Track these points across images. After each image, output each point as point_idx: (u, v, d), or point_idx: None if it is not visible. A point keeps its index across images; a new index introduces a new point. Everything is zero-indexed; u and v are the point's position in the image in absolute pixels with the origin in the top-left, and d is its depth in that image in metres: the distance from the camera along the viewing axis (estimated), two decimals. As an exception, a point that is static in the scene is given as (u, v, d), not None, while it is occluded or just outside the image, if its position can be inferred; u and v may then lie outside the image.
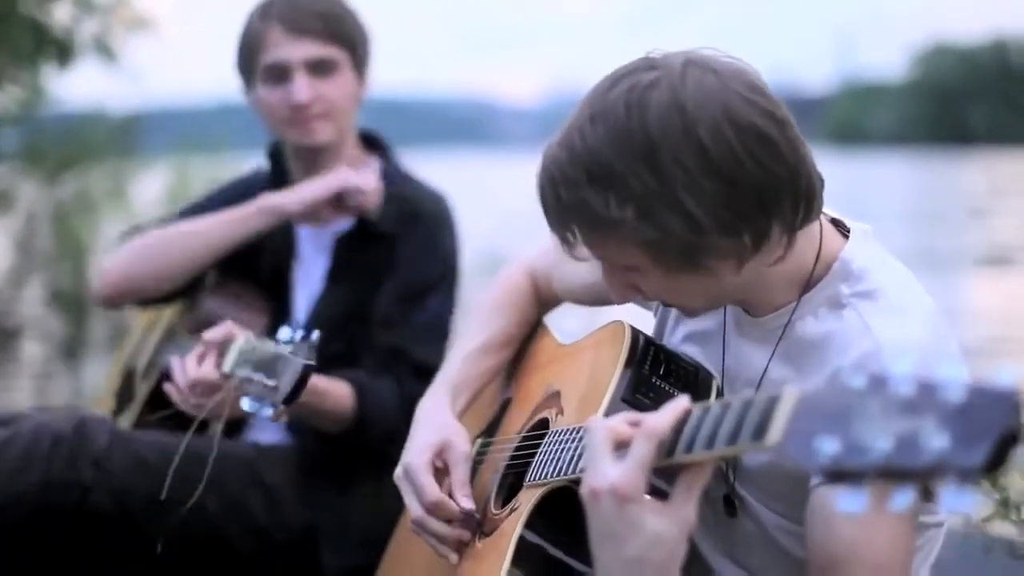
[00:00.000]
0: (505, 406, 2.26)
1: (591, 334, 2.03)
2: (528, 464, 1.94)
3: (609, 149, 1.63)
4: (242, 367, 2.22)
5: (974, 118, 77.73)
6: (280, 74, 2.78)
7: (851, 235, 1.80)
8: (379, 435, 2.69)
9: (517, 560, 1.83)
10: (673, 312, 1.99)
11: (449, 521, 2.01)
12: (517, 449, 2.05)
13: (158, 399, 2.64)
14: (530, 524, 1.84)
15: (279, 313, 2.89)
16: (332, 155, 2.86)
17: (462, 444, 2.07)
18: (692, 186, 1.62)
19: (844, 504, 1.15)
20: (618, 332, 1.91)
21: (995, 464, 1.10)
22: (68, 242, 8.96)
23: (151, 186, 9.74)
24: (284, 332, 2.21)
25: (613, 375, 1.84)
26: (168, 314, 3.02)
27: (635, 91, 1.64)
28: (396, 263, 2.81)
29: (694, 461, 1.45)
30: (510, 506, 1.94)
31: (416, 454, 2.05)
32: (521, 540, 1.83)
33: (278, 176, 2.95)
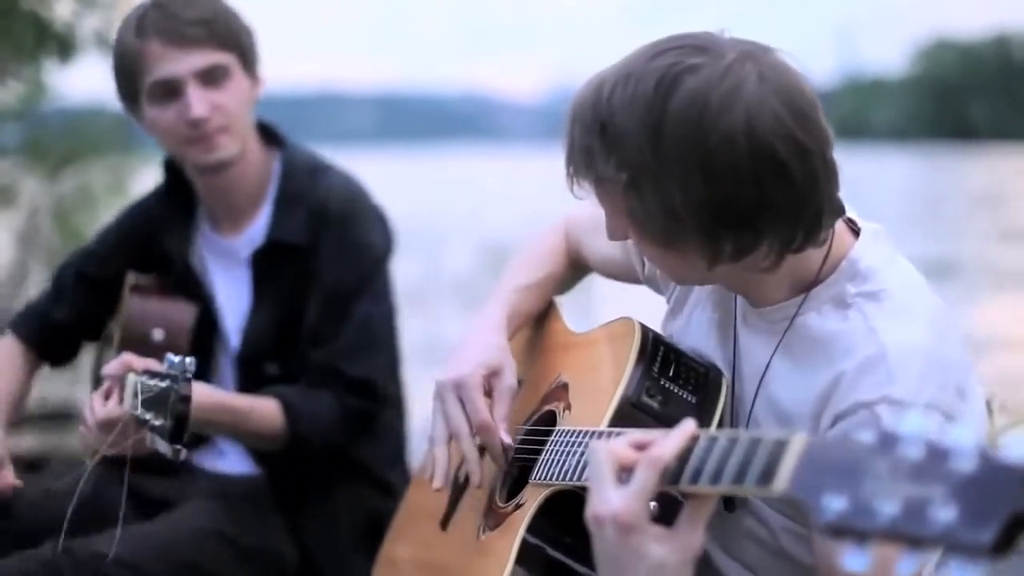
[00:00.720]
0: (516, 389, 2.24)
1: (602, 327, 2.02)
2: (534, 459, 1.93)
3: (627, 114, 1.63)
4: (138, 406, 2.18)
5: (975, 113, 77.71)
6: (170, 90, 2.59)
7: (861, 235, 1.78)
8: (317, 451, 2.63)
9: (521, 559, 1.83)
10: (691, 299, 1.97)
11: (481, 451, 1.98)
12: (524, 440, 2.03)
13: None
14: (534, 524, 1.84)
15: (204, 308, 2.79)
16: (238, 166, 2.69)
17: (511, 376, 2.03)
18: (686, 184, 1.61)
19: (850, 563, 1.14)
20: (628, 330, 1.89)
21: (1003, 545, 1.06)
22: (69, 237, 8.95)
23: (152, 181, 9.70)
24: (168, 360, 2.16)
25: (622, 375, 1.83)
26: (112, 322, 2.96)
27: (673, 69, 1.63)
28: (315, 274, 2.68)
29: (698, 492, 1.45)
30: (515, 501, 1.93)
31: (470, 369, 2.00)
32: (524, 540, 1.83)
33: (179, 193, 2.81)
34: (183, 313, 2.77)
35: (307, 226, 2.69)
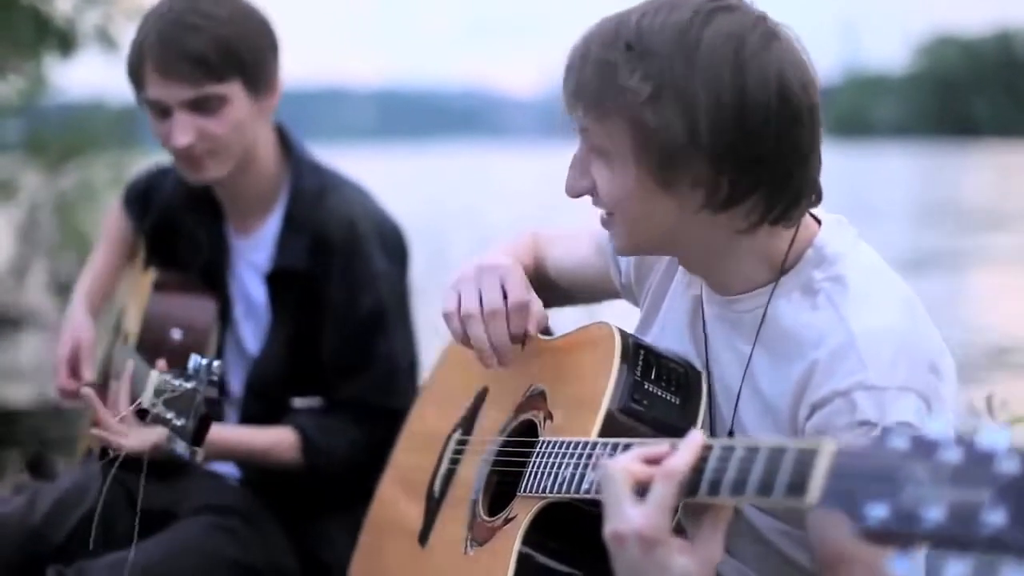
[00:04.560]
0: (482, 397, 2.16)
1: (575, 333, 1.98)
2: (518, 471, 1.89)
3: (659, 35, 1.63)
4: (158, 404, 2.17)
5: (977, 109, 77.69)
6: (160, 110, 2.58)
7: (824, 223, 1.80)
8: (331, 479, 2.66)
9: (517, 573, 1.79)
10: (663, 305, 1.96)
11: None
12: (502, 451, 1.99)
13: None
14: (528, 537, 1.80)
15: (224, 305, 2.79)
16: (242, 175, 2.68)
17: (541, 309, 2.00)
18: (713, 108, 1.61)
19: (897, 567, 1.13)
20: (607, 334, 1.85)
21: None
22: (70, 232, 8.98)
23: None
24: (192, 361, 2.14)
25: (607, 383, 1.80)
26: (125, 319, 2.97)
27: (708, 6, 1.65)
28: (324, 302, 2.68)
29: (720, 503, 1.44)
30: (503, 515, 1.89)
31: (506, 259, 1.99)
32: (520, 553, 1.79)
33: (201, 193, 2.80)
34: (205, 313, 2.77)
35: (309, 253, 2.69)
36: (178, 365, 2.19)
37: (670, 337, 1.92)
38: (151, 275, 2.85)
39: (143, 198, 2.93)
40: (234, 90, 2.57)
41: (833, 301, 1.69)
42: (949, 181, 31.96)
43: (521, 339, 1.95)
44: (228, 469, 2.76)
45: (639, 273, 2.02)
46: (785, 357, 1.71)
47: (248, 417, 2.72)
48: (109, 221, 3.01)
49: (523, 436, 1.97)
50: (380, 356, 2.69)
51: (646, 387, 1.80)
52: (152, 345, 2.60)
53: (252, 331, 2.78)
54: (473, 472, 2.04)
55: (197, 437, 2.08)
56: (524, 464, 1.88)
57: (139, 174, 3.01)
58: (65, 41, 7.19)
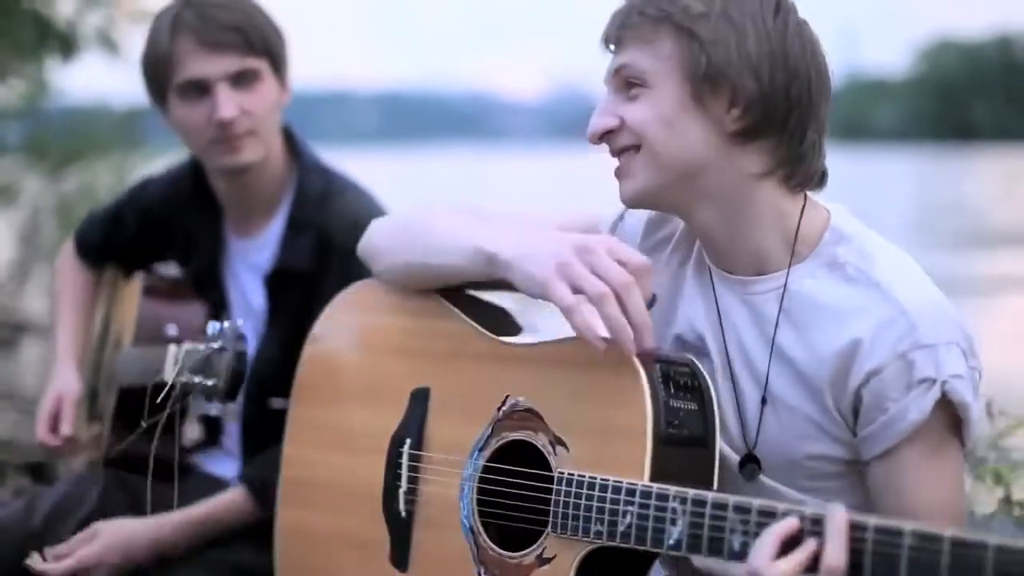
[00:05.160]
0: (423, 400, 2.03)
1: (561, 343, 1.86)
2: (520, 501, 1.83)
3: None
4: (182, 373, 2.23)
5: (978, 114, 77.63)
6: (199, 89, 2.62)
7: (832, 209, 1.90)
8: None
9: None
10: (680, 304, 1.97)
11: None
12: (489, 476, 1.91)
13: (123, 410, 2.66)
14: None
15: (217, 308, 2.80)
16: (259, 170, 2.71)
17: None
18: (761, 35, 1.78)
19: None
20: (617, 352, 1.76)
21: None
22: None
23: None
24: (211, 326, 2.22)
25: (643, 410, 1.73)
26: (113, 325, 2.97)
27: None
28: (323, 303, 2.62)
29: None
30: (534, 552, 1.81)
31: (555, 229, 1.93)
32: None
33: (200, 194, 2.81)
34: (197, 311, 2.78)
35: (313, 253, 2.69)
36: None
37: (690, 321, 1.94)
38: (137, 281, 2.85)
39: (102, 247, 2.93)
40: (265, 70, 2.65)
41: (865, 272, 1.80)
42: (950, 186, 31.95)
43: (651, 305, 1.79)
44: (226, 472, 2.76)
45: None
46: (817, 328, 1.81)
47: (248, 419, 2.72)
48: (65, 274, 2.96)
49: (515, 458, 1.89)
50: None
51: (672, 404, 1.77)
52: (149, 342, 2.60)
53: (250, 333, 2.77)
54: (450, 493, 1.94)
55: (231, 391, 2.14)
56: (531, 493, 1.82)
57: (91, 220, 2.99)
58: (67, 44, 7.19)
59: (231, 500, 2.60)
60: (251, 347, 2.76)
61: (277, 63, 2.68)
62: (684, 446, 1.76)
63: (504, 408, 1.91)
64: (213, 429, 2.79)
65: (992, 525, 2.82)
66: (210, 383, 2.18)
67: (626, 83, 1.83)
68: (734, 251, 1.87)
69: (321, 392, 2.22)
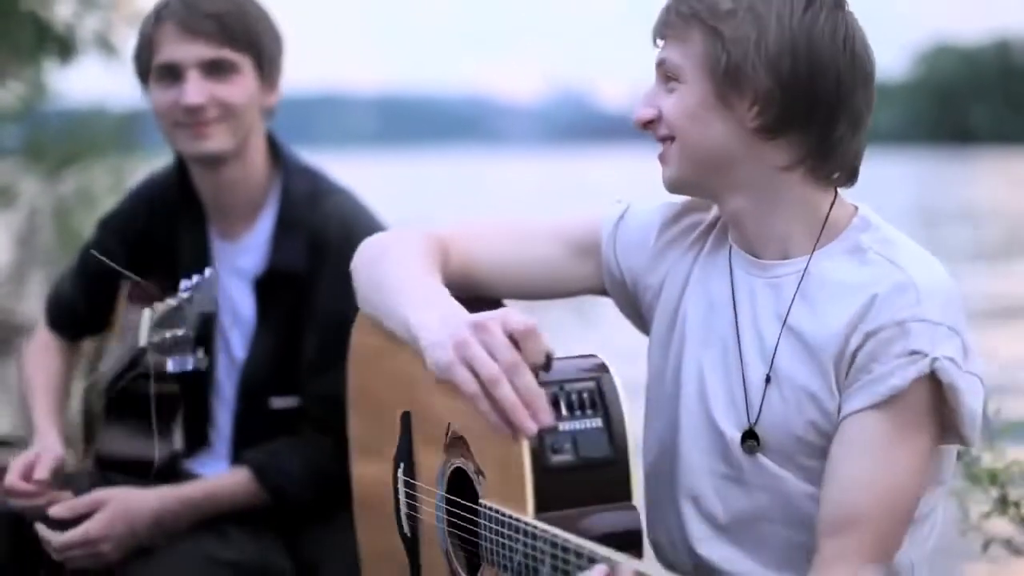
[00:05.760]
0: (408, 425, 2.02)
1: None
2: (472, 535, 1.81)
3: None
4: (153, 333, 2.26)
5: (976, 118, 77.78)
6: (172, 74, 2.60)
7: (859, 206, 1.94)
8: (298, 502, 2.62)
9: None
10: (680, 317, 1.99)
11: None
12: (448, 508, 1.90)
13: (114, 408, 2.67)
14: None
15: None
16: (235, 166, 2.66)
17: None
18: (783, 31, 1.80)
19: None
20: None
21: None
22: (69, 238, 8.96)
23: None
24: (183, 284, 2.24)
25: (520, 448, 1.68)
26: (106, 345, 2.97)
27: None
28: (313, 304, 2.66)
29: None
30: None
31: (435, 280, 1.89)
32: None
33: (184, 192, 2.77)
34: None
35: (306, 253, 2.67)
36: None
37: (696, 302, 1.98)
38: (123, 288, 2.83)
39: (70, 312, 2.90)
40: (246, 64, 2.63)
41: (886, 255, 1.85)
42: (948, 188, 31.96)
43: (547, 367, 1.67)
44: (221, 470, 2.76)
45: (652, 264, 2.05)
46: (832, 302, 1.84)
47: (241, 421, 2.72)
48: (37, 357, 2.93)
49: (459, 487, 1.87)
50: None
51: (562, 428, 1.70)
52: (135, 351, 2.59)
53: (238, 336, 2.76)
54: (432, 520, 1.95)
55: (201, 338, 2.14)
56: (474, 525, 1.80)
57: (57, 289, 2.95)
58: (65, 47, 7.21)
59: (234, 481, 2.60)
60: (240, 351, 2.76)
61: (262, 62, 2.65)
62: (581, 470, 1.70)
63: (448, 433, 1.90)
64: (203, 430, 2.78)
65: (987, 526, 2.83)
66: (180, 333, 2.17)
67: (666, 76, 1.90)
68: (762, 237, 1.92)
69: (354, 414, 2.26)
